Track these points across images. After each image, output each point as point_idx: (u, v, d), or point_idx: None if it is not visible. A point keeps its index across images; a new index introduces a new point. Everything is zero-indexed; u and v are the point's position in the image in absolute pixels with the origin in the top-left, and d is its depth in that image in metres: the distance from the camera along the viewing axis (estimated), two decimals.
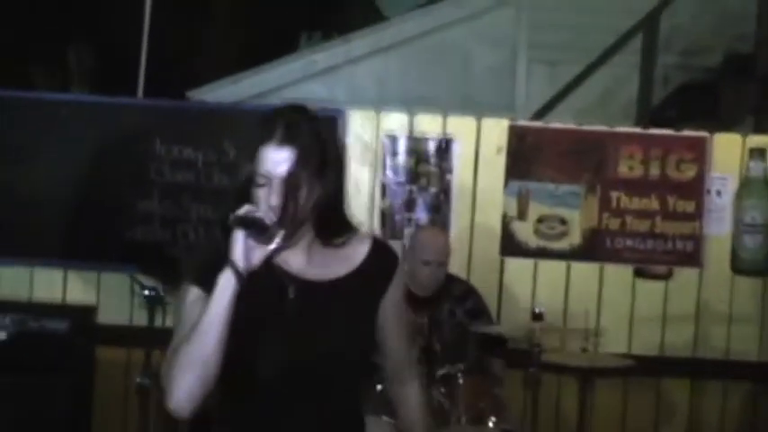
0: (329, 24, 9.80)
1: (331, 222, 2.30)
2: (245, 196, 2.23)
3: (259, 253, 2.19)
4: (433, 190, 5.35)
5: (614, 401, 5.33)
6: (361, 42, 7.80)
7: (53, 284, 5.21)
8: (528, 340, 4.36)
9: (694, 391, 5.40)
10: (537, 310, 4.34)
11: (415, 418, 2.56)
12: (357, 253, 2.37)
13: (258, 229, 2.16)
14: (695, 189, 5.36)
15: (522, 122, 5.46)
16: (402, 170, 5.34)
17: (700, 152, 5.37)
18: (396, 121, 5.38)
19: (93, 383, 4.77)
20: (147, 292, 4.27)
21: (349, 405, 2.37)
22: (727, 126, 6.35)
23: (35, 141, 5.15)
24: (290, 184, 2.20)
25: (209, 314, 2.15)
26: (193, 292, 2.25)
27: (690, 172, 5.36)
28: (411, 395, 2.56)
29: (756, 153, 5.36)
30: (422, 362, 4.54)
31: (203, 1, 10.13)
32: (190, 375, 2.14)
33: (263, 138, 2.23)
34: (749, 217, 5.34)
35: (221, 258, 2.18)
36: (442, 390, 4.23)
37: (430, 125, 5.38)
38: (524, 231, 5.35)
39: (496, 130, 5.37)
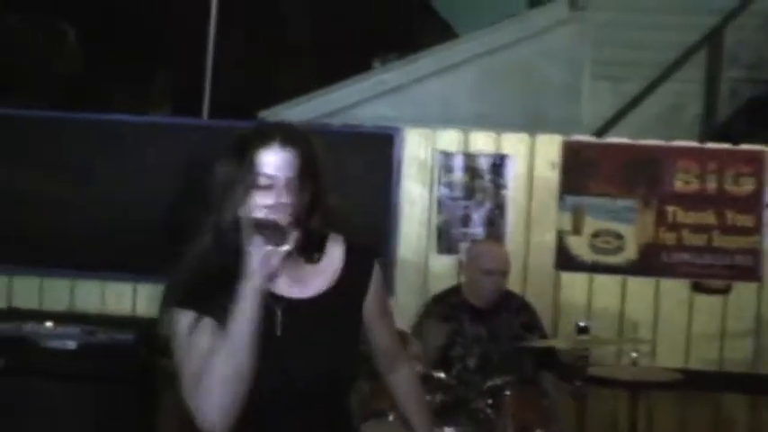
0: (404, 47, 9.92)
1: (314, 237, 2.34)
2: (237, 204, 2.25)
3: (275, 255, 2.19)
4: (488, 205, 5.42)
5: (672, 417, 5.32)
6: (427, 62, 7.90)
7: (123, 298, 5.42)
8: (574, 354, 4.40)
9: (754, 407, 5.35)
10: (582, 324, 4.39)
11: (414, 400, 2.64)
12: (334, 262, 2.39)
13: (273, 232, 2.17)
14: (753, 203, 5.33)
15: (576, 138, 5.50)
16: (457, 186, 5.43)
17: (758, 166, 5.35)
18: (451, 139, 5.47)
19: (157, 393, 4.91)
20: None
21: (340, 416, 2.41)
22: None
23: (105, 162, 5.36)
24: (297, 184, 2.25)
25: (239, 327, 2.16)
26: (188, 316, 2.25)
27: (748, 186, 5.34)
28: (405, 379, 2.64)
29: None
30: (478, 373, 4.64)
31: (279, 27, 10.36)
32: (225, 392, 2.15)
33: (261, 142, 2.25)
34: None
35: (205, 274, 2.23)
36: (489, 401, 4.29)
37: (485, 142, 5.46)
38: (579, 246, 5.39)
39: (551, 146, 5.43)
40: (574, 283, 5.39)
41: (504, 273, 4.77)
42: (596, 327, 4.91)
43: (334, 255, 2.41)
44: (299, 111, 7.31)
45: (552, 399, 4.58)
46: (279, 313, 2.31)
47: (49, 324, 4.69)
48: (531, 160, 5.44)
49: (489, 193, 5.43)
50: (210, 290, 2.23)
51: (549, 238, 5.40)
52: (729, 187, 5.34)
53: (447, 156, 5.45)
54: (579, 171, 5.40)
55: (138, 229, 5.33)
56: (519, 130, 5.65)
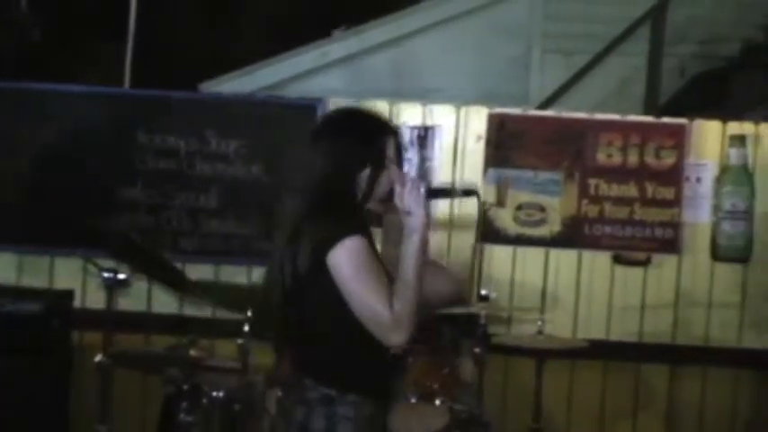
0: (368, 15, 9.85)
1: None
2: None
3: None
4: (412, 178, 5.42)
5: (592, 386, 5.36)
6: (374, 33, 7.88)
7: (40, 271, 5.33)
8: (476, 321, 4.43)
9: (673, 378, 5.39)
10: (483, 293, 4.42)
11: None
12: None
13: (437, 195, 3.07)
14: (674, 176, 5.36)
15: (502, 110, 5.50)
16: None
17: (679, 139, 5.37)
18: (376, 110, 5.45)
19: (69, 365, 4.86)
20: (105, 275, 4.39)
21: None
22: (738, 115, 6.27)
23: (23, 131, 5.29)
24: None
25: (420, 255, 2.73)
26: (364, 241, 2.71)
27: (669, 159, 5.37)
28: None
29: (736, 140, 5.34)
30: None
31: None
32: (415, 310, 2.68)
33: (389, 131, 2.94)
34: (729, 204, 5.32)
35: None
36: None
37: (411, 114, 5.47)
38: (504, 219, 5.41)
39: (476, 119, 5.44)
40: (498, 255, 5.41)
41: None
42: (497, 295, 4.96)
43: None
44: (240, 83, 7.32)
45: (464, 368, 4.61)
46: None
47: None
48: (457, 132, 5.45)
49: (415, 166, 5.44)
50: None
51: (474, 211, 5.38)
52: (650, 160, 5.37)
53: None
54: (504, 143, 5.41)
55: (55, 200, 5.26)
56: (472, 103, 5.64)
